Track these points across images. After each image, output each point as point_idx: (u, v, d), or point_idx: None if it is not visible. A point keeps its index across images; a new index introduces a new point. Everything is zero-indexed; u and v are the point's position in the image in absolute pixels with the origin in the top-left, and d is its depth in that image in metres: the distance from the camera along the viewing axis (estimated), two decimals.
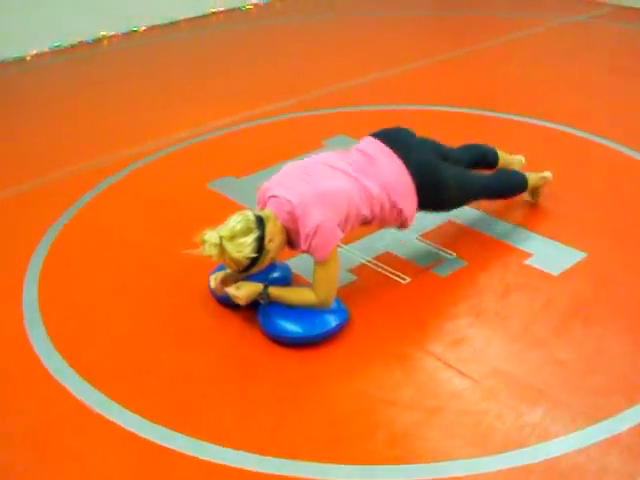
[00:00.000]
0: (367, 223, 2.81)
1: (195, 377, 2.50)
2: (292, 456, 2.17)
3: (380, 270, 3.02)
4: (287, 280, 2.87)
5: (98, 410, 2.35)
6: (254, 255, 2.48)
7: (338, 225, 2.58)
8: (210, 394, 2.42)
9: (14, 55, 6.13)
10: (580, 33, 6.28)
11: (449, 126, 4.34)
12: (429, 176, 2.86)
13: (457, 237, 3.24)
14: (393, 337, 2.65)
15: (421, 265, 3.04)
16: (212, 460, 2.16)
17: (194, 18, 7.14)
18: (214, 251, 2.43)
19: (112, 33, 6.67)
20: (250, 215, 2.51)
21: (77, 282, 3.04)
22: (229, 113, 4.71)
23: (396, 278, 2.96)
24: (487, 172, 3.32)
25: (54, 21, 6.27)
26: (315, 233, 2.52)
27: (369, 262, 3.08)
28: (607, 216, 3.37)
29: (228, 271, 2.66)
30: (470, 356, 2.54)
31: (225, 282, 2.69)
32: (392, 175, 2.78)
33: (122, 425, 2.29)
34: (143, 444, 2.22)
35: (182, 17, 7.08)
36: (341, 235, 2.60)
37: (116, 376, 2.51)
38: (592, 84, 5.11)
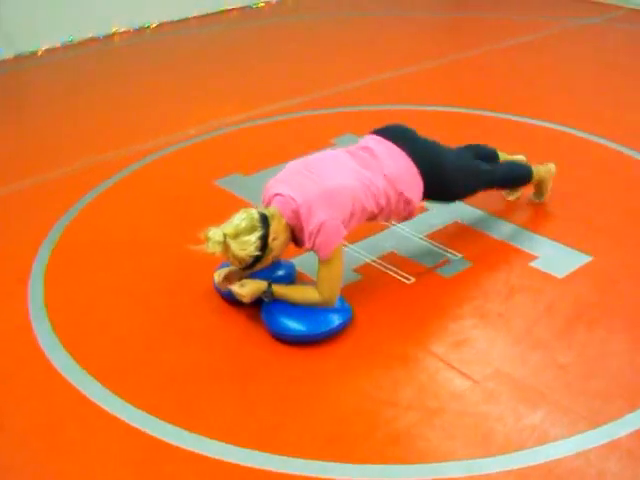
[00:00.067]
0: (373, 218, 2.81)
1: (198, 373, 2.51)
2: (293, 454, 2.18)
3: (385, 270, 3.02)
4: (291, 278, 2.88)
5: (101, 404, 2.37)
6: (258, 253, 2.49)
7: (342, 222, 2.59)
8: (213, 391, 2.44)
9: (27, 49, 6.16)
10: (590, 35, 6.26)
11: (456, 127, 4.35)
12: (432, 162, 2.87)
13: (463, 238, 3.24)
14: (396, 337, 2.66)
15: (426, 265, 3.04)
16: (213, 456, 2.17)
17: (205, 15, 7.16)
18: (218, 249, 2.44)
19: (123, 29, 6.69)
20: (254, 213, 2.52)
21: (83, 277, 3.06)
22: (238, 110, 4.73)
23: (401, 278, 2.97)
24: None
25: (66, 16, 6.31)
26: (319, 231, 2.53)
27: (374, 262, 3.08)
28: (611, 218, 3.37)
29: (232, 268, 2.67)
30: (472, 357, 2.55)
31: (229, 279, 2.71)
32: (396, 165, 2.78)
33: (125, 420, 2.30)
34: (146, 439, 2.23)
35: (193, 14, 7.10)
36: (345, 233, 2.61)
37: (120, 371, 2.52)
38: (593, 84, 5.11)
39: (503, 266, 3.04)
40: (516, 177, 3.32)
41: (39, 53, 6.19)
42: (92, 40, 6.47)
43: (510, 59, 5.66)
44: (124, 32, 6.69)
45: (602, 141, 4.14)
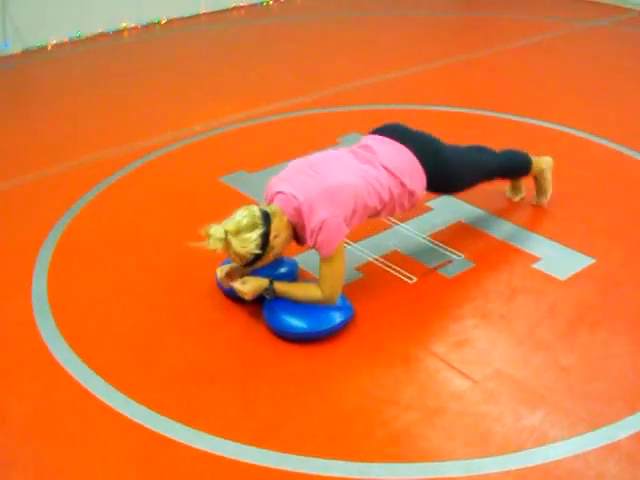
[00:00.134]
0: (376, 214, 2.82)
1: (200, 370, 2.52)
2: (293, 451, 2.18)
3: (387, 269, 3.03)
4: (294, 275, 2.88)
5: (103, 399, 2.38)
6: (258, 251, 2.50)
7: (344, 220, 2.59)
8: (214, 387, 2.44)
9: (36, 44, 6.18)
10: (598, 38, 6.25)
11: (456, 127, 4.36)
12: (434, 153, 2.89)
13: (466, 238, 3.24)
14: (397, 336, 2.66)
15: (429, 265, 3.04)
16: (213, 452, 2.18)
17: (215, 12, 7.17)
18: (219, 245, 2.45)
19: (133, 25, 6.71)
20: (256, 210, 2.53)
21: (86, 273, 3.07)
22: (244, 108, 4.74)
23: (403, 277, 2.97)
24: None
25: (76, 11, 6.33)
26: (320, 229, 2.53)
27: (377, 260, 3.09)
28: (612, 219, 3.37)
29: (234, 264, 2.68)
30: (473, 358, 2.55)
31: (231, 275, 2.72)
32: (398, 159, 2.80)
33: (127, 415, 2.31)
34: (147, 434, 2.24)
35: (203, 11, 7.11)
36: (347, 230, 2.62)
37: (122, 367, 2.53)
38: (597, 86, 5.10)
39: (505, 267, 3.04)
40: (515, 164, 3.33)
41: (48, 48, 6.21)
42: (101, 35, 6.49)
43: (516, 60, 5.65)
44: (133, 28, 6.70)
45: (602, 141, 4.14)
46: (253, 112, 4.67)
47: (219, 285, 2.83)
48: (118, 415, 2.31)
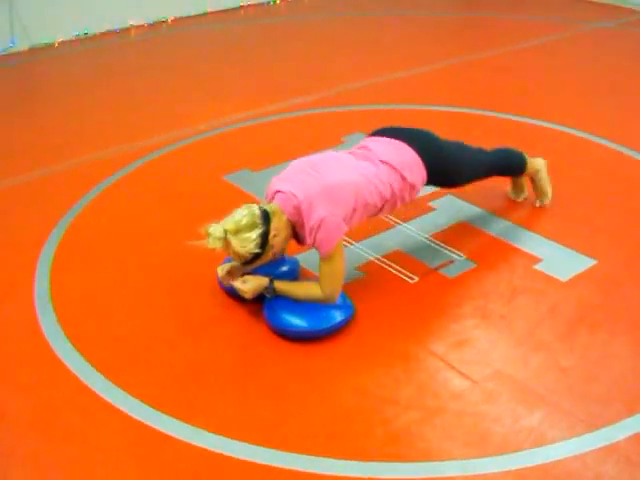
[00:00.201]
0: (377, 212, 2.83)
1: (200, 368, 2.53)
2: (293, 449, 2.19)
3: (388, 268, 3.03)
4: (295, 274, 2.89)
5: (104, 396, 2.39)
6: (258, 251, 2.50)
7: (344, 219, 2.60)
8: (214, 385, 2.45)
9: (42, 42, 6.21)
10: (601, 38, 6.24)
11: (456, 126, 4.37)
12: (434, 150, 2.91)
13: (467, 239, 3.24)
14: (397, 335, 2.66)
15: (430, 265, 3.05)
16: (213, 449, 2.19)
17: (222, 11, 7.18)
18: (218, 245, 2.45)
19: (139, 23, 6.72)
20: (256, 209, 2.54)
21: (89, 270, 3.08)
22: (250, 107, 4.74)
23: (404, 277, 2.98)
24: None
25: (83, 8, 6.36)
26: (319, 227, 2.54)
27: (378, 260, 3.09)
28: (612, 219, 3.37)
29: (235, 263, 2.68)
30: (473, 358, 2.55)
31: (232, 274, 2.72)
32: (395, 153, 2.82)
33: (127, 412, 2.32)
34: (147, 431, 2.25)
35: (210, 9, 7.12)
36: (346, 229, 2.62)
37: (123, 363, 2.54)
38: (595, 85, 5.10)
39: (507, 267, 3.04)
40: (511, 162, 3.34)
41: (55, 45, 6.23)
42: (108, 33, 6.51)
43: (518, 61, 5.64)
44: (140, 26, 6.72)
45: (602, 141, 4.13)
46: (258, 111, 4.68)
47: (221, 284, 2.84)
48: (118, 412, 2.32)
